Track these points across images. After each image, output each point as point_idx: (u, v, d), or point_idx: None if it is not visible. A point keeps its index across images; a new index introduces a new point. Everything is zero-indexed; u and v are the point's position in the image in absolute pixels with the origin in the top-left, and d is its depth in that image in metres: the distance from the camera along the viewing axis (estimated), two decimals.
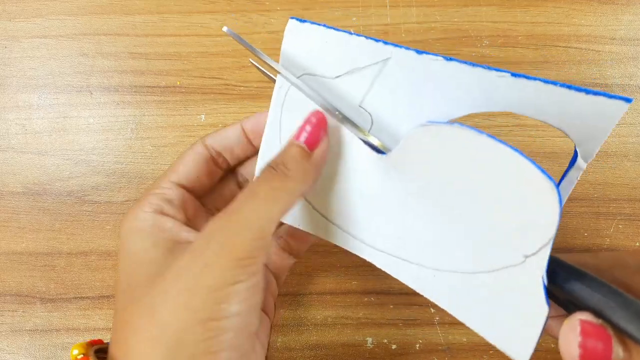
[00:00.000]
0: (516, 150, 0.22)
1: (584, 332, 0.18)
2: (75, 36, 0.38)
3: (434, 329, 0.35)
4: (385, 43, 0.24)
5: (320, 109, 0.25)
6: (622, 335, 0.18)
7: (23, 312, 0.36)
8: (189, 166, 0.27)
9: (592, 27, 0.38)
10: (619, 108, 0.21)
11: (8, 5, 0.38)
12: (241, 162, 0.30)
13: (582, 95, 0.22)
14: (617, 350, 0.18)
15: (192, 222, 0.27)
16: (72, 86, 0.38)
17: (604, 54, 0.37)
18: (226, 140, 0.28)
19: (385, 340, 0.35)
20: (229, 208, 0.21)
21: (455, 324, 0.35)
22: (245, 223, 0.20)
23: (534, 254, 0.21)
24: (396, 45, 0.24)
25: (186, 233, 0.25)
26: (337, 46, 0.25)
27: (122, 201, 0.37)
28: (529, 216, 0.21)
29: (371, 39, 0.24)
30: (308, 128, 0.24)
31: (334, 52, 0.25)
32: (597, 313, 0.18)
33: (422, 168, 0.23)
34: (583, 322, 0.18)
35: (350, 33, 0.24)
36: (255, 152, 0.29)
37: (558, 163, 0.36)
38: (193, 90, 0.37)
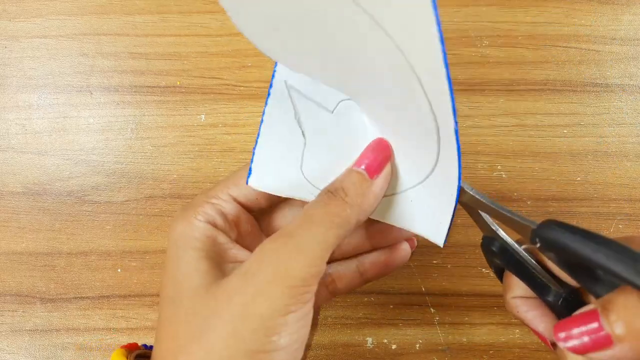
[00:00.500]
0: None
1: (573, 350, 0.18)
2: (75, 36, 0.38)
3: (434, 329, 0.35)
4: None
5: (384, 138, 0.24)
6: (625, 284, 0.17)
7: (23, 312, 0.36)
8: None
9: (592, 27, 0.38)
10: None
11: (8, 5, 0.38)
12: None
13: None
14: (612, 326, 0.17)
15: (245, 240, 0.26)
16: (72, 86, 0.38)
17: (604, 54, 0.37)
18: None
19: (385, 340, 0.35)
20: (283, 231, 0.21)
21: (456, 324, 0.35)
22: (300, 248, 0.20)
23: (437, 163, 0.22)
24: None
25: (236, 251, 0.24)
26: None
27: (122, 201, 0.37)
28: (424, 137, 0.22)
29: None
30: (370, 155, 0.23)
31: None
32: (601, 267, 0.18)
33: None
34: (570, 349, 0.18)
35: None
36: None
37: (558, 163, 0.36)
38: (193, 90, 0.37)
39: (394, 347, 0.35)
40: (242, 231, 0.26)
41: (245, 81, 0.37)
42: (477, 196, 0.23)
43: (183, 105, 0.37)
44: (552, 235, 0.19)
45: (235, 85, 0.37)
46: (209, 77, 0.38)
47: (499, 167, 0.36)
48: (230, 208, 0.25)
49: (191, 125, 0.37)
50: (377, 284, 0.35)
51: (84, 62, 0.38)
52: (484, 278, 0.35)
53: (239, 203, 0.26)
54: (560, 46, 0.38)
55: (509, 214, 0.22)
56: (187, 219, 0.24)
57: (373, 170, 0.23)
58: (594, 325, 0.17)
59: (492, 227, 0.24)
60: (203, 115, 0.37)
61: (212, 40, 0.38)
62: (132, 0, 0.38)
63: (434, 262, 0.36)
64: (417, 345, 0.35)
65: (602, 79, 0.37)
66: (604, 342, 0.17)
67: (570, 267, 0.20)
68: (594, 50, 0.38)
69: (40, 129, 0.37)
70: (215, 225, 0.24)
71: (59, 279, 0.36)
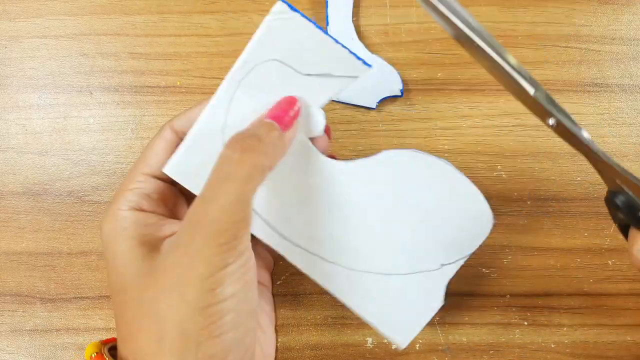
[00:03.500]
0: (470, 182, 0.27)
1: None
2: (75, 36, 0.38)
3: (434, 329, 0.35)
4: (365, 63, 0.25)
5: (296, 97, 0.25)
6: None
7: (23, 312, 0.36)
8: (160, 155, 0.26)
9: (592, 27, 0.38)
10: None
11: (8, 5, 0.38)
12: None
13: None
14: None
15: (174, 213, 0.26)
16: (72, 86, 0.38)
17: (604, 54, 0.37)
18: (194, 121, 0.27)
19: (385, 340, 0.35)
20: (204, 195, 0.21)
21: (456, 324, 0.35)
22: (223, 209, 0.21)
23: (450, 263, 0.27)
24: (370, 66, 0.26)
25: (170, 225, 0.24)
26: (319, 47, 0.25)
27: None
28: (459, 234, 0.27)
29: (353, 54, 0.25)
30: (280, 107, 0.24)
31: (314, 51, 0.25)
32: None
33: (380, 180, 0.27)
34: None
35: (336, 41, 0.25)
36: None
37: (558, 163, 0.36)
38: (193, 90, 0.37)
39: (394, 347, 0.35)
40: (171, 204, 0.26)
41: None
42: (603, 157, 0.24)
43: (183, 105, 0.37)
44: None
45: None
46: (209, 77, 0.38)
47: (499, 167, 0.36)
48: (151, 187, 0.25)
49: None
50: None
51: (84, 62, 0.38)
52: (484, 278, 0.35)
53: (157, 178, 0.26)
54: (560, 46, 0.38)
55: (631, 178, 0.23)
56: (111, 213, 0.24)
57: (284, 124, 0.24)
58: None
59: (618, 180, 0.24)
60: None
61: (212, 40, 0.38)
62: (132, 0, 0.38)
63: None
64: (417, 345, 0.35)
65: (602, 79, 0.37)
66: None
67: None
68: (594, 50, 0.38)
69: (40, 129, 0.37)
70: (141, 209, 0.24)
71: (59, 279, 0.36)
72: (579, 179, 0.36)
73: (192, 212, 0.22)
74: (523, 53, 0.38)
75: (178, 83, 0.37)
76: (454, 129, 0.37)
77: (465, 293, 0.35)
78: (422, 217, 0.27)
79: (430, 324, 0.35)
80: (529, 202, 0.36)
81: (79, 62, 0.38)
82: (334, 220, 0.27)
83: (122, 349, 0.22)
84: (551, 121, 0.24)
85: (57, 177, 0.37)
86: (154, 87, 0.37)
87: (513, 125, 0.37)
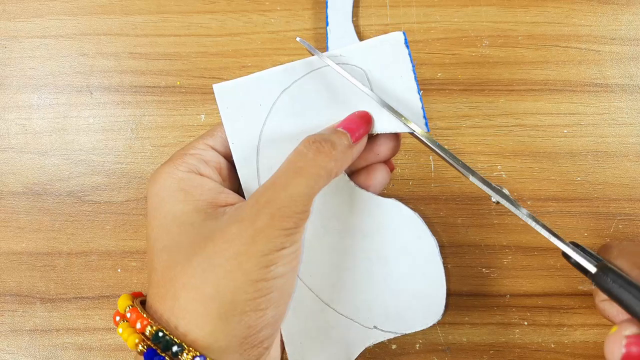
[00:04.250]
0: (442, 267, 0.27)
1: (628, 344, 0.21)
2: (75, 36, 0.38)
3: (434, 329, 0.35)
4: (426, 124, 0.26)
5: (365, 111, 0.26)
6: None
7: (23, 312, 0.36)
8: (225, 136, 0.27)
9: (592, 27, 0.38)
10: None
11: (8, 5, 0.38)
12: None
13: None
14: None
15: (228, 184, 0.27)
16: (72, 86, 0.38)
17: (604, 54, 0.37)
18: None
19: (385, 340, 0.35)
20: (276, 181, 0.23)
21: (455, 324, 0.35)
22: (292, 198, 0.22)
23: (382, 331, 0.27)
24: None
25: (225, 195, 0.25)
26: (401, 87, 0.26)
27: (122, 201, 0.37)
28: (408, 311, 0.27)
29: (423, 111, 0.26)
30: (355, 120, 0.26)
31: (395, 88, 0.26)
32: None
33: (376, 223, 0.27)
34: (629, 337, 0.21)
35: (419, 91, 0.26)
36: None
37: (558, 163, 0.36)
38: (193, 90, 0.37)
39: (394, 347, 0.35)
40: (225, 176, 0.27)
41: None
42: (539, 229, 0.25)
43: (183, 105, 0.37)
44: (607, 285, 0.22)
45: None
46: (209, 77, 0.38)
47: (499, 167, 0.36)
48: (210, 155, 0.26)
49: (191, 125, 0.37)
50: None
51: (84, 62, 0.38)
52: (484, 278, 0.35)
53: (217, 152, 0.27)
54: (560, 46, 0.38)
55: (570, 253, 0.24)
56: (167, 172, 0.25)
57: (355, 137, 0.25)
58: None
59: (566, 249, 0.24)
60: (203, 115, 0.37)
61: (212, 40, 0.38)
62: (132, 0, 0.38)
63: None
64: (417, 345, 0.35)
65: (602, 79, 0.37)
66: None
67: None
68: (594, 50, 0.38)
69: (40, 129, 0.37)
70: (199, 173, 0.25)
71: (59, 279, 0.36)
72: (579, 179, 0.36)
73: (261, 192, 0.23)
74: (523, 53, 0.38)
75: (178, 83, 0.37)
76: (454, 129, 0.37)
77: (465, 293, 0.35)
78: (386, 276, 0.27)
79: None
80: (529, 202, 0.36)
81: (79, 62, 0.38)
82: (313, 230, 0.27)
83: (156, 305, 0.23)
84: (493, 199, 0.25)
85: (57, 177, 0.37)
86: (154, 87, 0.37)
87: (513, 125, 0.37)
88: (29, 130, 0.37)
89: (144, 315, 0.22)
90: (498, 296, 0.35)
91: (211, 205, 0.24)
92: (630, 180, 0.36)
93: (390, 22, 0.38)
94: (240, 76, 0.39)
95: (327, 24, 0.37)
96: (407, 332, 0.27)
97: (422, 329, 0.27)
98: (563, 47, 0.38)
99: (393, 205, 0.27)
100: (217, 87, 0.27)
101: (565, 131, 0.37)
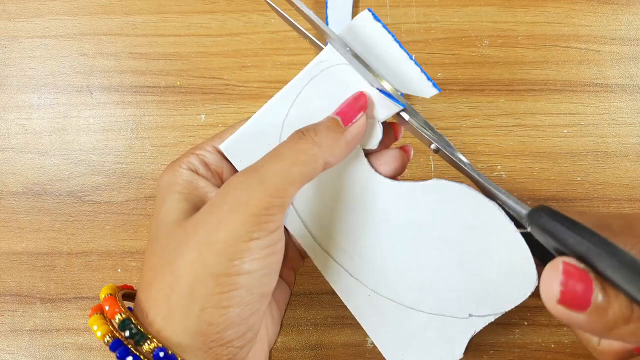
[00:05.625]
0: (522, 238, 0.24)
1: (565, 273, 0.18)
2: (75, 36, 0.38)
3: None
4: (434, 85, 0.25)
5: (365, 93, 0.25)
6: (605, 282, 0.18)
7: (23, 312, 0.36)
8: None
9: (592, 27, 0.38)
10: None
11: (8, 5, 0.38)
12: None
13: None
14: (597, 293, 0.18)
15: None
16: (72, 86, 0.38)
17: (604, 54, 0.37)
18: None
19: None
20: (250, 166, 0.22)
21: None
22: (262, 179, 0.21)
23: (480, 316, 0.25)
24: None
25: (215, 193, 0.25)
26: (393, 61, 0.25)
27: (122, 201, 0.37)
28: (496, 288, 0.24)
29: (425, 74, 0.25)
30: (346, 103, 0.25)
31: (387, 64, 0.25)
32: (583, 259, 0.19)
33: (424, 209, 0.25)
34: (566, 264, 0.18)
35: (410, 57, 0.25)
36: None
37: (558, 163, 0.36)
38: (193, 90, 0.37)
39: None
40: (225, 179, 0.27)
41: (245, 81, 0.37)
42: (477, 176, 0.24)
43: (183, 105, 0.37)
44: (541, 220, 0.20)
45: (235, 85, 0.37)
46: (209, 77, 0.38)
47: (499, 167, 0.36)
48: (213, 158, 0.27)
49: (191, 125, 0.37)
50: None
51: (84, 62, 0.38)
52: None
53: (223, 156, 0.27)
54: (560, 46, 0.38)
55: (504, 197, 0.23)
56: (173, 168, 0.26)
57: (347, 119, 0.24)
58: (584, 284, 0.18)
59: (500, 192, 0.24)
60: (203, 115, 0.37)
61: (212, 40, 0.38)
62: (132, 0, 0.38)
63: None
64: None
65: (602, 79, 0.37)
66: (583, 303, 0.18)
67: (558, 252, 0.20)
68: (594, 50, 0.38)
69: (40, 129, 0.37)
70: (197, 172, 0.25)
71: (59, 279, 0.36)
72: (579, 179, 0.36)
73: (234, 178, 0.22)
74: (523, 53, 0.38)
75: (178, 83, 0.37)
76: (454, 129, 0.37)
77: None
78: (460, 259, 0.25)
79: None
80: (529, 202, 0.36)
81: (79, 62, 0.38)
82: (367, 238, 0.26)
83: (139, 292, 0.23)
84: (433, 146, 0.25)
85: (57, 177, 0.37)
86: (154, 87, 0.37)
87: (513, 125, 0.37)
88: (29, 130, 0.37)
89: (118, 304, 0.22)
90: None
91: (200, 199, 0.24)
92: (630, 180, 0.36)
93: (390, 22, 0.38)
94: (239, 75, 0.39)
95: (327, 24, 0.37)
96: (506, 309, 0.24)
97: (521, 301, 0.24)
98: (563, 47, 0.38)
99: (437, 185, 0.25)
100: (224, 147, 0.27)
101: (565, 131, 0.37)
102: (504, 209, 0.24)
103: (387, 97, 0.24)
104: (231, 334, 0.21)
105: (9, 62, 0.38)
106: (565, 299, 0.18)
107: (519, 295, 0.24)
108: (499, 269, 0.24)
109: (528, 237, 0.23)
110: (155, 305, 0.21)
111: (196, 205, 0.24)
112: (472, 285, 0.25)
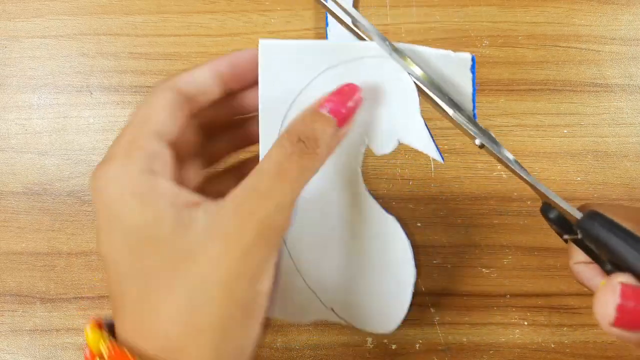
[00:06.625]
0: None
1: (623, 295, 0.17)
2: (75, 36, 0.38)
3: (434, 329, 0.35)
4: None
5: (358, 86, 0.23)
6: None
7: (23, 312, 0.36)
8: (162, 116, 0.22)
9: (592, 27, 0.38)
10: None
11: (8, 5, 0.38)
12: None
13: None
14: None
15: (175, 179, 0.22)
16: (72, 86, 0.38)
17: (604, 54, 0.37)
18: (198, 84, 0.24)
19: (385, 340, 0.35)
20: (259, 186, 0.20)
21: (455, 324, 0.35)
22: (278, 208, 0.20)
23: (337, 315, 0.26)
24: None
25: (184, 196, 0.21)
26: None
27: None
28: (373, 305, 0.27)
29: (432, 140, 0.26)
30: (342, 100, 0.22)
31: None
32: (638, 275, 0.18)
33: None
34: (624, 286, 0.18)
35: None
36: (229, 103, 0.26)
37: (558, 163, 0.36)
38: None
39: (393, 347, 0.35)
40: (175, 169, 0.22)
41: None
42: (524, 175, 0.24)
43: None
44: (595, 231, 0.19)
45: None
46: None
47: (499, 167, 0.36)
48: (158, 147, 0.21)
49: None
50: None
51: (84, 62, 0.38)
52: (484, 278, 0.35)
53: (162, 141, 0.22)
54: (560, 46, 0.38)
55: (554, 198, 0.23)
56: (115, 176, 0.20)
57: (343, 119, 0.22)
58: None
59: (549, 194, 0.23)
60: None
61: (212, 40, 0.38)
62: (132, 0, 0.38)
63: (434, 262, 0.36)
64: (417, 345, 0.35)
65: (602, 79, 0.37)
66: None
67: (611, 262, 0.20)
68: (594, 50, 0.38)
69: (40, 129, 0.37)
70: (154, 173, 0.21)
71: (59, 279, 0.36)
72: (578, 179, 0.36)
73: (243, 199, 0.20)
74: (523, 53, 0.38)
75: None
76: (454, 129, 0.37)
77: (465, 293, 0.35)
78: (360, 267, 0.27)
79: (430, 324, 0.35)
80: (529, 202, 0.36)
81: (79, 62, 0.38)
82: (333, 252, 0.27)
83: (136, 340, 0.20)
84: (477, 142, 0.25)
85: (57, 177, 0.37)
86: (154, 87, 0.37)
87: (513, 125, 0.37)
88: (29, 130, 0.37)
89: (128, 355, 0.19)
90: (498, 296, 0.35)
91: (173, 210, 0.20)
92: (630, 180, 0.36)
93: (390, 22, 0.38)
94: None
95: (327, 24, 0.37)
96: (359, 327, 0.26)
97: (371, 331, 0.26)
98: (563, 47, 0.38)
99: (390, 222, 0.26)
100: (264, 44, 0.24)
101: (565, 131, 0.37)
102: (549, 213, 0.24)
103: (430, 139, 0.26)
104: (249, 352, 0.21)
105: (9, 62, 0.38)
106: (622, 323, 0.18)
107: (378, 326, 0.26)
108: (381, 296, 0.26)
109: (579, 242, 0.23)
110: (179, 354, 0.20)
111: (175, 220, 0.20)
112: (354, 292, 0.26)
